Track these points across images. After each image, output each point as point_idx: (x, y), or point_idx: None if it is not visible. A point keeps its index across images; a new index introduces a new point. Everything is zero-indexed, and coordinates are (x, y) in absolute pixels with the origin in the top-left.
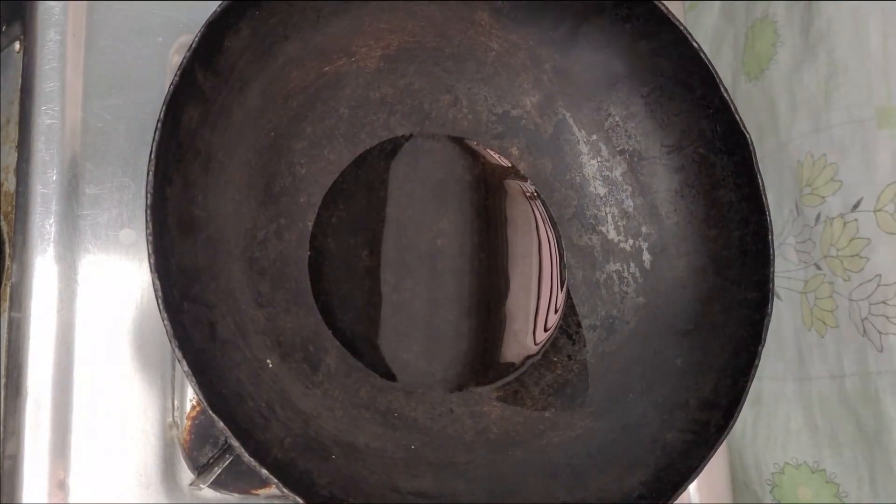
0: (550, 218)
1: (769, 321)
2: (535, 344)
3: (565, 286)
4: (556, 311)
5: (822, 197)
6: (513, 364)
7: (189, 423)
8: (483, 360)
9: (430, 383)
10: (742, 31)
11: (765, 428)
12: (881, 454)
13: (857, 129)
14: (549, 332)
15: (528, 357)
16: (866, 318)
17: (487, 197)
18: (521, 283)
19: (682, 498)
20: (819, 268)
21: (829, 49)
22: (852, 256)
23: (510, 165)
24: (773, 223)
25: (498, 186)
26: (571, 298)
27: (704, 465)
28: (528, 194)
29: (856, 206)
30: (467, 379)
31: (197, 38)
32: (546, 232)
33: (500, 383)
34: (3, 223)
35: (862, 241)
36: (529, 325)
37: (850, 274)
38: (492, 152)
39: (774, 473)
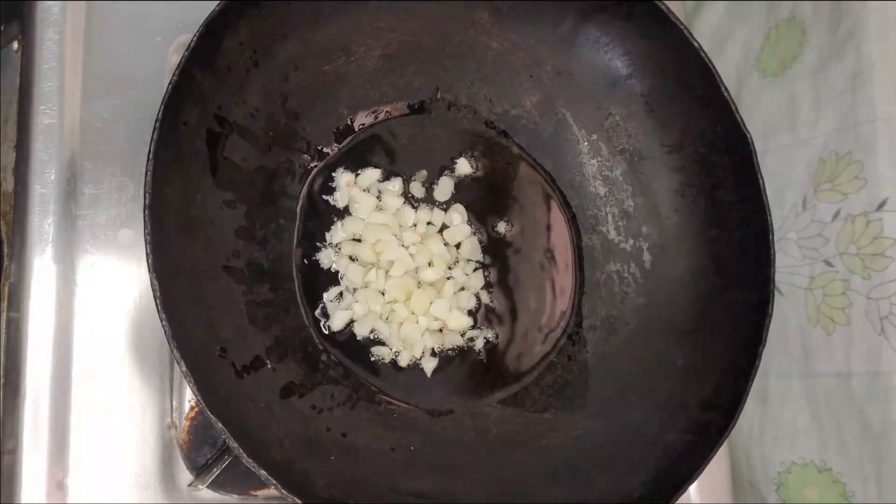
0: (570, 221)
1: (770, 322)
2: (542, 349)
3: (573, 291)
4: (563, 317)
5: (844, 194)
6: (518, 371)
7: (188, 423)
8: (486, 367)
9: (431, 388)
10: (761, 31)
11: (772, 427)
12: (888, 454)
13: (883, 126)
14: (555, 339)
15: (534, 365)
16: (886, 317)
17: (497, 196)
18: (529, 287)
19: (683, 498)
20: (830, 264)
21: (857, 47)
22: (874, 255)
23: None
24: (773, 221)
25: (510, 184)
26: (572, 299)
27: (705, 466)
28: (546, 194)
29: (881, 206)
30: (470, 385)
31: (195, 38)
32: (563, 233)
33: (504, 394)
34: (1, 223)
35: (887, 240)
36: (536, 331)
37: (870, 272)
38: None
39: (781, 472)
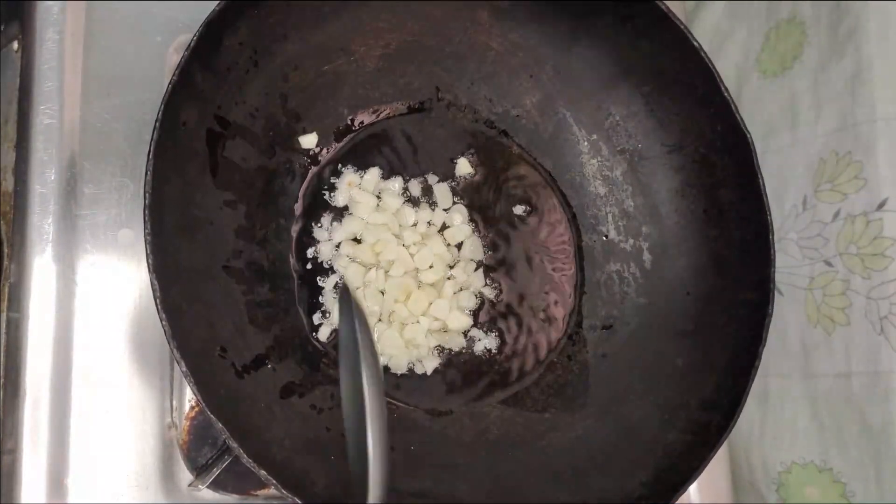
0: (570, 221)
1: (770, 322)
2: (542, 349)
3: (573, 291)
4: (563, 317)
5: (844, 194)
6: (520, 371)
7: (188, 423)
8: (486, 367)
9: (431, 388)
10: (760, 31)
11: (772, 427)
12: (888, 454)
13: (883, 126)
14: (555, 339)
15: (534, 365)
16: (886, 317)
17: (497, 196)
18: (529, 287)
19: (683, 498)
20: (830, 264)
21: (857, 47)
22: (874, 255)
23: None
24: (773, 221)
25: (510, 184)
26: (573, 299)
27: (705, 466)
28: (545, 194)
29: (881, 206)
30: (470, 385)
31: (195, 38)
32: (563, 233)
33: (504, 394)
34: (1, 223)
35: (886, 240)
36: (537, 331)
37: (870, 272)
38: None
39: (781, 472)
